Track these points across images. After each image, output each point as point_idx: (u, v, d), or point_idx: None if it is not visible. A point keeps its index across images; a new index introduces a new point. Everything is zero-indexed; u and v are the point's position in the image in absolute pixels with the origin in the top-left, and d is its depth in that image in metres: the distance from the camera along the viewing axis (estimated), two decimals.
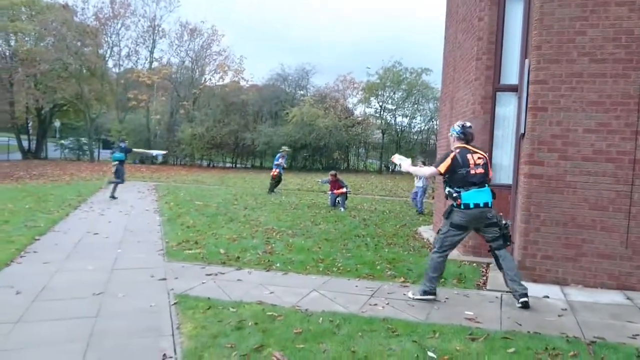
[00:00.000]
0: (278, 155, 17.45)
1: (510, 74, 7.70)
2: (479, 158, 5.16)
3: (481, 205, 5.05)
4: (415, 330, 4.28)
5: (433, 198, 13.86)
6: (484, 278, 6.50)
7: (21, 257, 6.65)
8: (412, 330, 4.26)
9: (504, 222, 5.23)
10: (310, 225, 10.37)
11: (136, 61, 35.62)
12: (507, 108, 7.81)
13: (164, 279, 5.75)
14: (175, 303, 4.84)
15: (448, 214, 5.25)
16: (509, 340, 4.08)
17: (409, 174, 7.36)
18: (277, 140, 29.63)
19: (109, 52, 34.94)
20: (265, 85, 34.78)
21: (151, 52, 35.08)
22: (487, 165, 5.19)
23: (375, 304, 5.07)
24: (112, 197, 13.18)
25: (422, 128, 32.64)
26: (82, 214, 10.66)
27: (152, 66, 34.99)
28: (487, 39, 7.76)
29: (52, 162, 31.67)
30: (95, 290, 5.22)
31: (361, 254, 7.45)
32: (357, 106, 34.20)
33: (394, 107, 31.31)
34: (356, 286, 5.76)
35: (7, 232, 8.10)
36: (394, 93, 31.12)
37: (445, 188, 5.28)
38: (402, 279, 6.15)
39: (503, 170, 7.86)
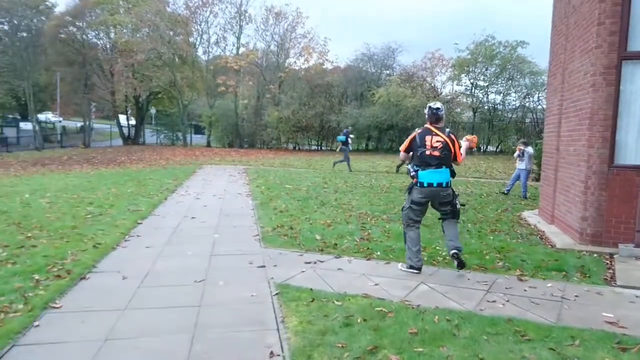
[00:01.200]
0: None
1: None
2: (437, 141, 5.32)
3: (434, 185, 5.31)
4: (549, 334, 3.72)
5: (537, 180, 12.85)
6: (610, 271, 5.75)
7: (125, 241, 6.81)
8: (545, 335, 3.70)
9: (457, 202, 5.54)
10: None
11: (224, 47, 36.62)
12: (636, 78, 6.78)
13: (263, 266, 5.58)
14: (277, 293, 4.62)
15: (409, 191, 5.59)
16: None
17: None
18: (363, 121, 29.16)
19: (198, 39, 36.19)
20: (350, 66, 34.20)
21: (238, 38, 35.80)
22: (446, 149, 5.33)
23: (494, 301, 4.53)
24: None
25: (517, 105, 30.43)
26: (179, 198, 10.94)
27: (239, 52, 35.69)
28: (611, 1, 6.75)
29: (150, 147, 33.55)
30: (197, 277, 5.14)
31: (465, 242, 6.85)
32: (446, 84, 32.66)
33: (486, 84, 29.38)
34: (468, 279, 5.24)
35: (113, 216, 8.42)
36: (486, 69, 29.16)
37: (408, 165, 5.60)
38: (518, 272, 5.53)
39: (629, 150, 6.87)
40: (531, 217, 9.50)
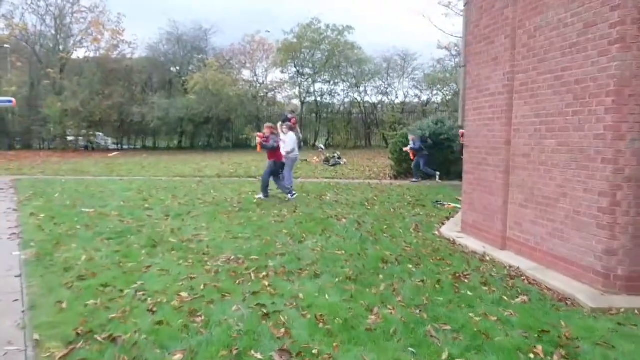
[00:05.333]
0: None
1: None
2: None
3: None
4: None
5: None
6: None
7: None
8: None
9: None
10: (292, 242, 6.37)
11: None
12: None
13: None
14: None
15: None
16: None
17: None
18: (175, 114, 24.38)
19: None
20: (154, 47, 28.71)
21: None
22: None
23: None
24: None
25: (346, 95, 28.87)
26: None
27: None
28: None
29: None
30: None
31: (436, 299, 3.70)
32: (269, 71, 29.47)
33: (312, 72, 27.11)
34: None
35: None
36: (313, 55, 26.91)
37: None
38: None
39: None
40: (459, 237, 6.87)
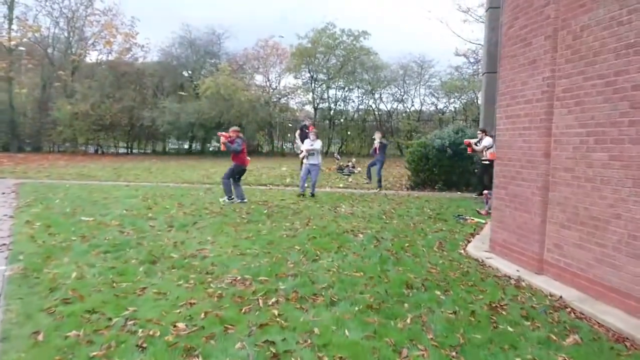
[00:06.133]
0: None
1: None
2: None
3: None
4: None
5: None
6: None
7: None
8: None
9: None
10: (305, 260, 5.78)
11: None
12: None
13: None
14: None
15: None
16: None
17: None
18: (186, 118, 23.94)
19: None
20: (167, 51, 28.37)
21: (10, 8, 27.11)
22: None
23: None
24: None
25: (361, 102, 28.20)
26: None
27: (12, 26, 27.17)
28: None
29: None
30: None
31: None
32: (282, 76, 28.89)
33: (326, 78, 26.50)
34: None
35: None
36: (327, 60, 26.33)
37: None
38: None
39: None
40: (488, 257, 6.25)
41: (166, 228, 7.42)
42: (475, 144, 11.60)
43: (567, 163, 5.15)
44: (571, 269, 5.04)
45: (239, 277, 5.02)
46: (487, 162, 11.20)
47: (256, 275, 5.12)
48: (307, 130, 14.48)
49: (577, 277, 4.94)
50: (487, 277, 5.42)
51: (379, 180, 13.60)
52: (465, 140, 12.24)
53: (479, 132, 11.87)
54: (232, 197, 10.08)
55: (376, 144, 13.89)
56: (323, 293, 4.61)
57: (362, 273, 5.32)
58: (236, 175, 10.20)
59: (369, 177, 14.74)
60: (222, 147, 10.24)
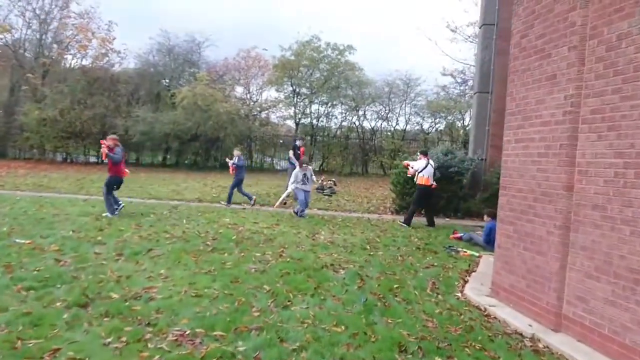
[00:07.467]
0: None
1: None
2: None
3: None
4: None
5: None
6: None
7: None
8: None
9: None
10: (274, 306, 4.72)
11: None
12: None
13: None
14: None
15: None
16: None
17: None
18: (160, 129, 22.71)
19: None
20: (143, 58, 27.14)
21: None
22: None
23: None
24: None
25: (344, 118, 27.28)
26: None
27: None
28: None
29: None
30: None
31: None
32: (263, 89, 27.83)
33: (309, 92, 25.54)
34: None
35: None
36: (311, 74, 25.41)
37: None
38: None
39: None
40: (492, 304, 5.29)
41: (113, 256, 6.29)
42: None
43: (596, 199, 4.25)
44: (600, 329, 4.10)
45: (187, 331, 3.95)
46: (422, 188, 10.49)
47: (211, 327, 4.06)
48: (298, 152, 13.69)
49: (608, 341, 4.01)
50: (496, 335, 4.44)
51: (230, 195, 12.16)
52: (404, 162, 11.60)
53: (419, 153, 11.16)
54: (116, 210, 9.52)
55: (235, 160, 12.12)
56: (294, 358, 3.58)
57: (343, 327, 4.30)
58: (113, 186, 9.67)
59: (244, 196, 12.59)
60: (103, 156, 9.57)
